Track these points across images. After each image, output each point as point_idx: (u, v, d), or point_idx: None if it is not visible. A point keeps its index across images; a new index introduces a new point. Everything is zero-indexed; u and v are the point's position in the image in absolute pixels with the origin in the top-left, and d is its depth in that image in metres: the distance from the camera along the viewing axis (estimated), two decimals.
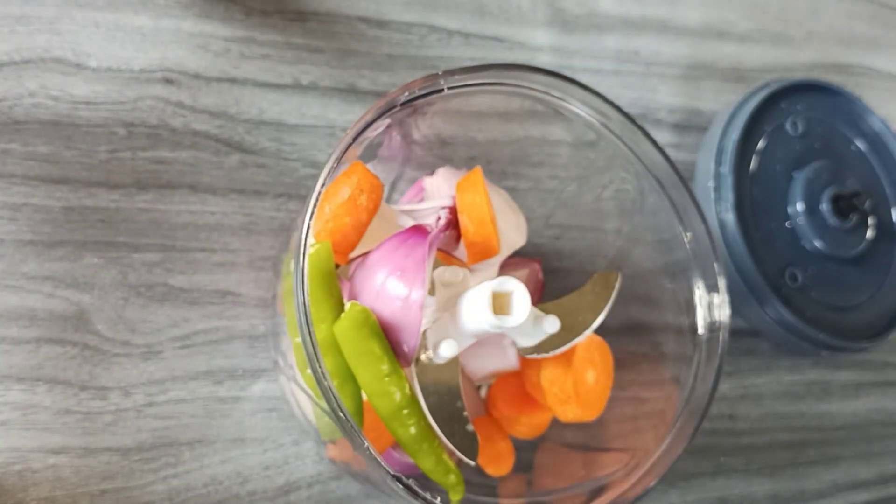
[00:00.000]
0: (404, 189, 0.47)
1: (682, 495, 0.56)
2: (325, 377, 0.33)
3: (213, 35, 0.50)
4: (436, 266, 0.41)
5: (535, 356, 0.42)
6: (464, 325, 0.39)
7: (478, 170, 0.43)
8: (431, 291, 0.41)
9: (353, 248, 0.41)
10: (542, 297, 0.51)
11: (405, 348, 0.39)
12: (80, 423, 0.43)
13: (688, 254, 0.44)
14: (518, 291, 0.38)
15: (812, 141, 0.61)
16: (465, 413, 0.39)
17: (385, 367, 0.36)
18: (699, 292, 0.44)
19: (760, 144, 0.59)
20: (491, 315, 0.37)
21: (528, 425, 0.46)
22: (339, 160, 0.36)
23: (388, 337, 0.39)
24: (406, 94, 0.37)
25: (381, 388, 0.37)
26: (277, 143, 0.50)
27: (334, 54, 0.52)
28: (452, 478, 0.39)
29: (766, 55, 0.67)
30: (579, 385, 0.42)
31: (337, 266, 0.41)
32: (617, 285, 0.43)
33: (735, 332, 0.59)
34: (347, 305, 0.36)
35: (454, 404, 0.39)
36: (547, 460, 0.47)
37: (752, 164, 0.58)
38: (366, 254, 0.41)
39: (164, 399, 0.44)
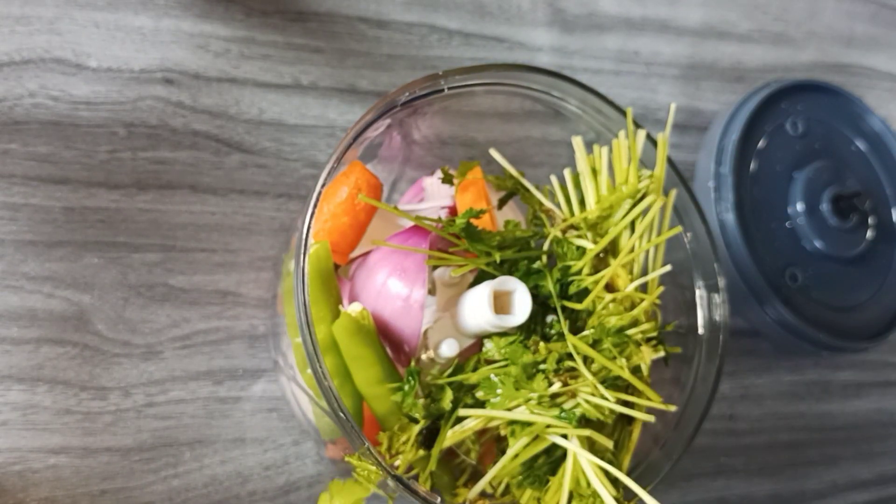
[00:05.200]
0: (404, 189, 0.47)
1: (682, 495, 0.56)
2: (325, 377, 0.33)
3: (213, 35, 0.50)
4: (436, 266, 0.41)
5: None
6: (465, 324, 0.39)
7: (478, 170, 0.43)
8: (432, 291, 0.41)
9: (352, 247, 0.41)
10: None
11: (406, 348, 0.39)
12: (81, 424, 0.43)
13: (688, 254, 0.44)
14: (519, 291, 0.38)
15: (812, 141, 0.61)
16: None
17: (379, 372, 0.37)
18: (699, 292, 0.44)
19: (760, 144, 0.59)
20: (492, 314, 0.37)
21: None
22: (339, 160, 0.36)
23: (388, 337, 0.39)
24: (406, 94, 0.37)
25: (376, 391, 0.37)
26: (277, 144, 0.50)
27: (334, 54, 0.52)
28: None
29: (766, 55, 0.67)
30: None
31: (337, 266, 0.41)
32: None
33: (735, 332, 0.59)
34: (341, 314, 0.36)
35: None
36: None
37: (752, 164, 0.58)
38: (366, 254, 0.41)
39: (164, 399, 0.44)
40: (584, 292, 0.40)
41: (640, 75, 0.61)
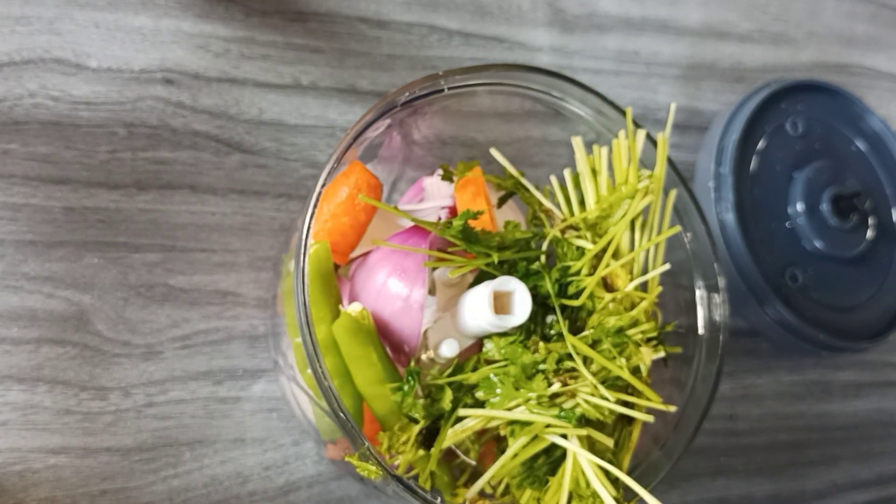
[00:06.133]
0: (404, 189, 0.47)
1: (682, 495, 0.56)
2: (325, 377, 0.33)
3: (213, 35, 0.50)
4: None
5: None
6: (465, 324, 0.39)
7: (478, 170, 0.43)
8: (432, 291, 0.41)
9: (352, 247, 0.41)
10: None
11: (406, 348, 0.39)
12: (81, 424, 0.43)
13: (688, 254, 0.44)
14: (519, 291, 0.38)
15: (812, 141, 0.61)
16: None
17: (379, 372, 0.37)
18: (699, 292, 0.44)
19: (760, 144, 0.59)
20: (492, 315, 0.37)
21: None
22: (339, 160, 0.36)
23: (388, 337, 0.39)
24: (406, 94, 0.37)
25: (375, 391, 0.37)
26: (277, 144, 0.50)
27: (334, 54, 0.52)
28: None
29: (766, 55, 0.67)
30: None
31: (337, 266, 0.41)
32: None
33: (735, 332, 0.59)
34: (341, 314, 0.36)
35: None
36: None
37: (752, 164, 0.58)
38: (366, 254, 0.41)
39: (164, 399, 0.44)
40: (584, 292, 0.40)
41: (640, 75, 0.61)
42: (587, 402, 0.37)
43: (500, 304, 0.38)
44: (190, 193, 0.47)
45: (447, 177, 0.43)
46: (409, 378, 0.37)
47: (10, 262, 0.43)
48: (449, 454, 0.40)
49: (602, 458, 0.37)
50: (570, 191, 0.43)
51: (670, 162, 0.42)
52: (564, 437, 0.37)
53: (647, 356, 0.40)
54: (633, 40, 0.62)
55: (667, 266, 0.41)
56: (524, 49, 0.58)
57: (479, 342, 0.40)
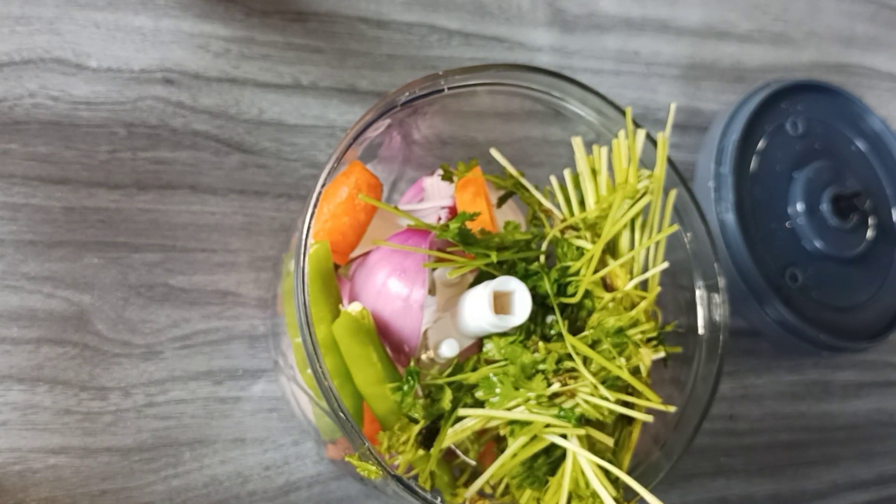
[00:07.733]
0: (404, 189, 0.47)
1: (682, 495, 0.56)
2: (325, 377, 0.33)
3: (213, 35, 0.50)
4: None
5: None
6: (465, 324, 0.39)
7: (477, 170, 0.43)
8: (432, 291, 0.41)
9: (352, 247, 0.41)
10: None
11: (406, 348, 0.39)
12: (81, 424, 0.43)
13: (688, 254, 0.44)
14: (519, 291, 0.38)
15: (812, 141, 0.61)
16: None
17: (379, 372, 0.37)
18: (699, 292, 0.44)
19: (760, 144, 0.59)
20: (492, 315, 0.37)
21: None
22: (339, 160, 0.36)
23: (388, 337, 0.39)
24: (406, 94, 0.37)
25: (375, 391, 0.37)
26: (277, 144, 0.50)
27: (334, 54, 0.52)
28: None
29: (766, 55, 0.67)
30: None
31: (337, 266, 0.41)
32: None
33: (735, 332, 0.59)
34: (341, 313, 0.36)
35: None
36: None
37: (752, 164, 0.58)
38: (366, 254, 0.41)
39: (164, 399, 0.44)
40: (583, 293, 0.40)
41: (640, 75, 0.61)
42: (587, 402, 0.37)
43: (500, 304, 0.38)
44: (190, 193, 0.47)
45: (447, 177, 0.43)
46: (409, 378, 0.37)
47: (10, 262, 0.43)
48: (449, 454, 0.40)
49: (602, 458, 0.37)
50: (570, 191, 0.43)
51: (670, 162, 0.42)
52: (564, 436, 0.37)
53: (647, 356, 0.40)
54: (633, 40, 0.62)
55: (666, 264, 0.41)
56: (524, 49, 0.58)
57: (479, 342, 0.40)
